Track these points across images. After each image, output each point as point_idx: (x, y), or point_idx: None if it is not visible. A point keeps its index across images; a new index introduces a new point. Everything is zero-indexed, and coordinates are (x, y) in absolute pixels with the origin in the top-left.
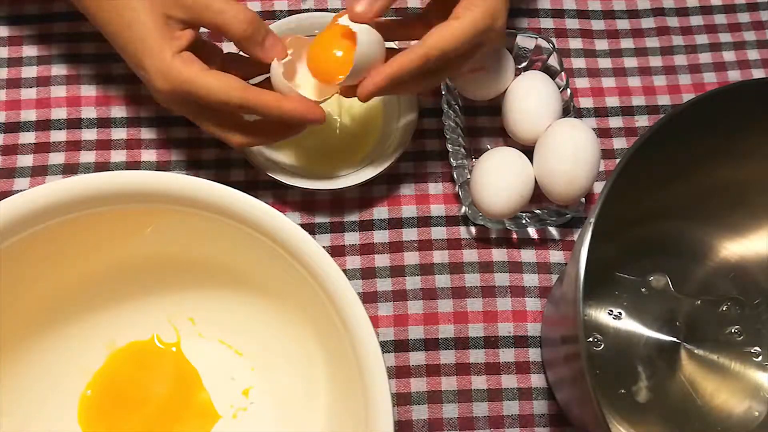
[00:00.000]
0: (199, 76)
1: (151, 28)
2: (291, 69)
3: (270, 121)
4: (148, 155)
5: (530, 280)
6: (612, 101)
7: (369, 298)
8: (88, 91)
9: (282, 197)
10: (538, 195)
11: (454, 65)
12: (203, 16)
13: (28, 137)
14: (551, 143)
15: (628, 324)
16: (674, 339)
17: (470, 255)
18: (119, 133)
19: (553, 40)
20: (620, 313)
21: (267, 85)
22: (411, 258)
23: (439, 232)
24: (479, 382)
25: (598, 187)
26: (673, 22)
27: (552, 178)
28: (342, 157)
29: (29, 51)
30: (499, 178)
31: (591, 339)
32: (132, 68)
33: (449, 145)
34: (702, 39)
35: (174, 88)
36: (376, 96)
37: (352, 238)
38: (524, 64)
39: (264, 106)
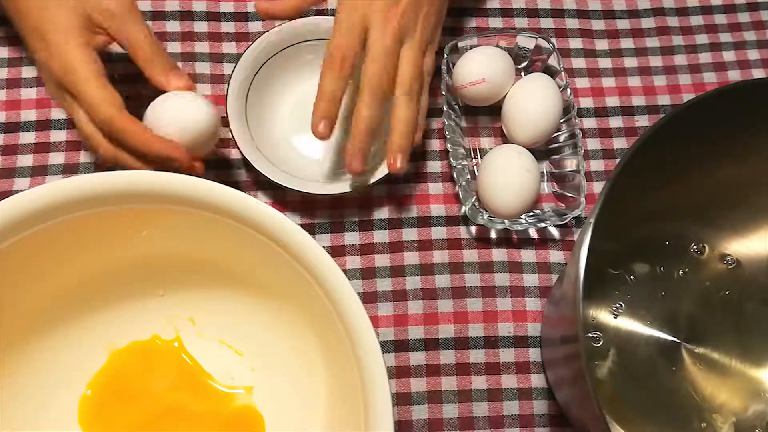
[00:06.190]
0: (93, 75)
1: (70, 17)
2: None
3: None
4: None
5: (530, 280)
6: (612, 101)
7: (369, 298)
8: None
9: (282, 197)
10: (538, 195)
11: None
12: (119, 27)
13: (28, 137)
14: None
15: (629, 323)
16: (674, 338)
17: (470, 255)
18: None
19: (553, 40)
20: (620, 313)
21: None
22: (411, 258)
23: (439, 232)
24: (479, 382)
25: (598, 187)
26: (673, 22)
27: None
28: (344, 160)
29: None
30: (507, 177)
31: (591, 338)
32: (31, 42)
33: (449, 145)
34: (702, 39)
35: (66, 76)
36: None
37: (352, 238)
38: (524, 64)
39: (131, 134)
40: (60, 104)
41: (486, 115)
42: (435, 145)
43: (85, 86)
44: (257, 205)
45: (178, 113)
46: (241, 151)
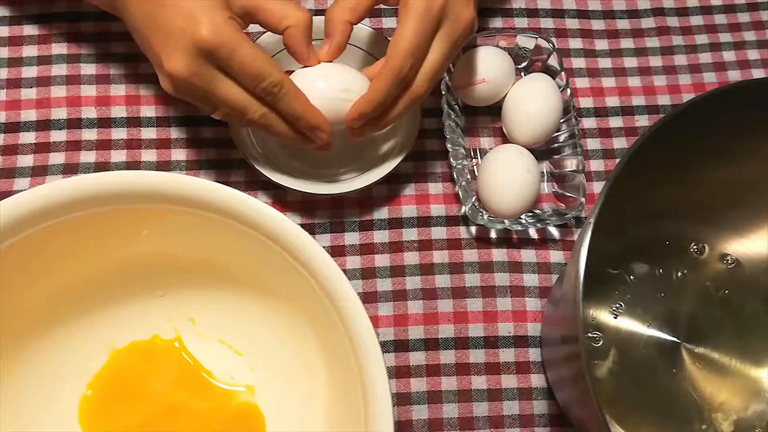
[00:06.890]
0: (248, 42)
1: None
2: None
3: (281, 117)
4: (148, 155)
5: (530, 280)
6: (612, 101)
7: (369, 298)
8: (88, 91)
9: (282, 197)
10: (538, 195)
11: (425, 58)
12: (263, 4)
13: (28, 137)
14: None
15: (629, 323)
16: (674, 339)
17: (470, 255)
18: (119, 133)
19: (553, 40)
20: (620, 313)
21: None
22: (411, 258)
23: (439, 232)
24: (479, 382)
25: (598, 187)
26: (673, 22)
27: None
28: (344, 159)
29: (29, 51)
30: (507, 177)
31: (591, 338)
32: (173, 17)
33: (449, 145)
34: (702, 39)
35: (220, 44)
36: (372, 129)
37: (352, 238)
38: (524, 64)
39: (293, 98)
40: (194, 79)
41: (486, 115)
42: (435, 145)
43: (248, 55)
44: (257, 205)
45: (330, 84)
46: (241, 151)
